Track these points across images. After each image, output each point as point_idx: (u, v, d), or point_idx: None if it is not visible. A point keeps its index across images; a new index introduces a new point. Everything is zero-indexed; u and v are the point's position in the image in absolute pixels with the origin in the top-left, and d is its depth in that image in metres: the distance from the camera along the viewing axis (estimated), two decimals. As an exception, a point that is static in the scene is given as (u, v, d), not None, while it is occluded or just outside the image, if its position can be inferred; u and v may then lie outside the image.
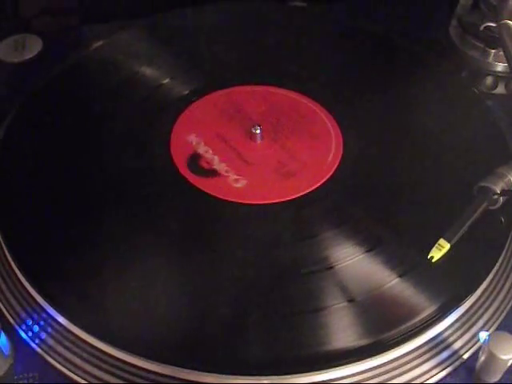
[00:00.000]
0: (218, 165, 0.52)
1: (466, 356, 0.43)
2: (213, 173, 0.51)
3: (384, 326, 0.42)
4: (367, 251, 0.46)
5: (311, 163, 0.52)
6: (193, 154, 0.52)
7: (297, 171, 0.51)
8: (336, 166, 0.52)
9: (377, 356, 0.41)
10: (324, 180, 0.51)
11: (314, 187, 0.50)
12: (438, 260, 0.44)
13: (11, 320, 0.44)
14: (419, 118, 0.56)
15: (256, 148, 0.53)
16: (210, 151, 0.53)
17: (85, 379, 0.41)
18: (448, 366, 0.42)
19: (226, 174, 0.51)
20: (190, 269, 0.45)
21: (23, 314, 0.44)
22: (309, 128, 0.55)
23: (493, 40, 0.61)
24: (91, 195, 0.50)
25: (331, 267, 0.45)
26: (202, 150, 0.53)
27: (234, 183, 0.50)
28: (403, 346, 0.41)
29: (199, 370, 0.40)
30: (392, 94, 0.58)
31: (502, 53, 0.58)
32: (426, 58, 0.62)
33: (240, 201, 0.49)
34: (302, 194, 0.50)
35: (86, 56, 0.61)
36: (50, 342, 0.43)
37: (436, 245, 0.44)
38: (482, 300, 0.45)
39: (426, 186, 0.50)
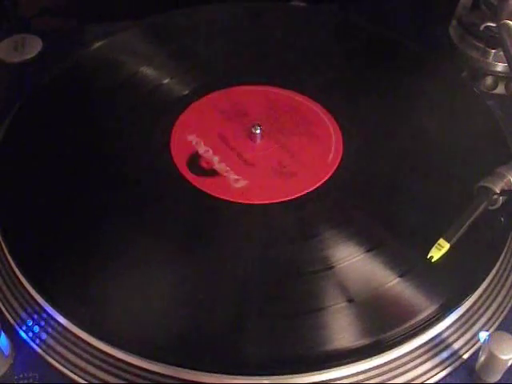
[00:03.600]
0: (218, 165, 0.52)
1: (466, 356, 0.43)
2: (213, 173, 0.51)
3: (384, 325, 0.42)
4: (367, 251, 0.46)
5: (311, 163, 0.52)
6: (193, 153, 0.53)
7: (297, 171, 0.51)
8: (336, 165, 0.52)
9: (377, 356, 0.41)
10: (324, 180, 0.51)
11: (314, 187, 0.50)
12: (438, 260, 0.44)
13: (11, 320, 0.44)
14: (419, 118, 0.56)
15: (256, 148, 0.53)
16: (210, 151, 0.53)
17: (85, 379, 0.41)
18: (448, 366, 0.42)
19: (226, 174, 0.51)
20: (190, 269, 0.45)
21: (23, 314, 0.44)
22: (309, 128, 0.55)
23: (493, 40, 0.61)
24: (91, 195, 0.50)
25: (331, 267, 0.45)
26: (201, 150, 0.53)
27: (234, 183, 0.50)
28: (403, 345, 0.41)
29: (199, 369, 0.40)
30: (392, 94, 0.58)
31: (501, 53, 0.58)
32: (426, 58, 0.62)
33: (240, 201, 0.49)
34: (302, 193, 0.50)
35: (86, 56, 0.61)
36: (50, 341, 0.43)
37: (436, 245, 0.44)
38: (481, 300, 0.45)
39: (425, 186, 0.50)
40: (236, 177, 0.51)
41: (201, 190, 0.50)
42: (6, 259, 0.46)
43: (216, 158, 0.52)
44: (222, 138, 0.54)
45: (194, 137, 0.54)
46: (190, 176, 0.51)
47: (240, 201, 0.49)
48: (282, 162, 0.52)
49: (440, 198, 0.49)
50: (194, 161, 0.52)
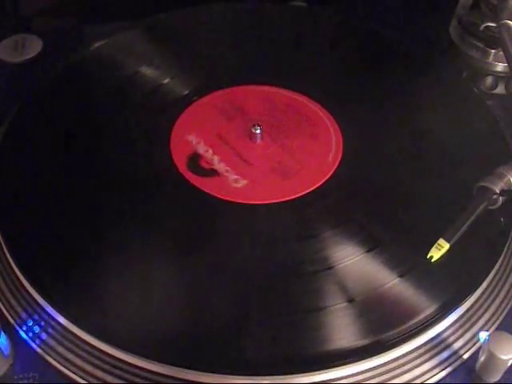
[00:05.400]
0: (218, 165, 0.52)
1: (466, 356, 0.43)
2: (212, 173, 0.51)
3: (384, 326, 0.42)
4: (367, 251, 0.46)
5: (311, 163, 0.52)
6: (193, 153, 0.52)
7: (297, 171, 0.51)
8: (336, 166, 0.52)
9: (377, 356, 0.41)
10: (324, 180, 0.51)
11: (314, 187, 0.50)
12: (438, 260, 0.44)
13: (11, 320, 0.44)
14: (419, 118, 0.56)
15: (256, 148, 0.53)
16: (210, 151, 0.53)
17: (85, 379, 0.41)
18: (448, 366, 0.42)
19: (226, 174, 0.51)
20: (190, 269, 0.45)
21: (23, 314, 0.44)
22: (309, 128, 0.55)
23: (493, 40, 0.61)
24: (91, 195, 0.50)
25: (331, 267, 0.45)
26: (201, 149, 0.53)
27: (234, 183, 0.50)
28: (403, 345, 0.41)
29: (199, 369, 0.40)
30: (392, 94, 0.58)
31: (501, 53, 0.58)
32: (426, 58, 0.62)
33: (240, 201, 0.49)
34: (302, 193, 0.50)
35: (86, 56, 0.61)
36: (50, 342, 0.43)
37: (435, 244, 0.44)
38: (482, 300, 0.45)
39: (425, 186, 0.50)
40: (236, 177, 0.51)
41: (201, 190, 0.50)
42: (6, 259, 0.46)
43: (216, 158, 0.52)
44: (221, 138, 0.54)
45: (193, 137, 0.54)
46: (189, 176, 0.51)
47: (240, 201, 0.49)
48: (281, 162, 0.52)
49: (440, 197, 0.49)
50: (194, 160, 0.52)
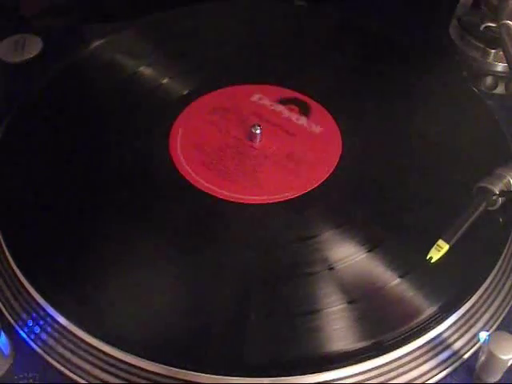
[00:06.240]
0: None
1: (466, 356, 0.43)
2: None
3: (384, 326, 0.42)
4: (367, 252, 0.46)
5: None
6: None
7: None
8: (335, 165, 0.52)
9: (377, 356, 0.41)
10: (324, 180, 0.51)
11: (313, 187, 0.50)
12: (437, 261, 0.44)
13: (11, 320, 0.44)
14: (419, 118, 0.56)
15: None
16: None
17: (85, 379, 0.41)
18: (448, 367, 0.42)
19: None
20: (190, 269, 0.45)
21: (23, 314, 0.44)
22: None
23: (493, 40, 0.61)
24: (91, 195, 0.50)
25: (331, 268, 0.45)
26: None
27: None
28: (404, 346, 0.41)
29: (199, 370, 0.40)
30: (392, 94, 0.58)
31: (501, 53, 0.58)
32: (426, 58, 0.62)
33: (240, 201, 0.49)
34: (302, 193, 0.50)
35: (86, 56, 0.61)
36: (50, 341, 0.43)
37: (435, 245, 0.44)
38: (482, 300, 0.45)
39: (425, 186, 0.50)
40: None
41: (200, 190, 0.50)
42: (6, 259, 0.46)
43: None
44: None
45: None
46: (189, 175, 0.51)
47: (240, 201, 0.49)
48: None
49: (440, 198, 0.49)
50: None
